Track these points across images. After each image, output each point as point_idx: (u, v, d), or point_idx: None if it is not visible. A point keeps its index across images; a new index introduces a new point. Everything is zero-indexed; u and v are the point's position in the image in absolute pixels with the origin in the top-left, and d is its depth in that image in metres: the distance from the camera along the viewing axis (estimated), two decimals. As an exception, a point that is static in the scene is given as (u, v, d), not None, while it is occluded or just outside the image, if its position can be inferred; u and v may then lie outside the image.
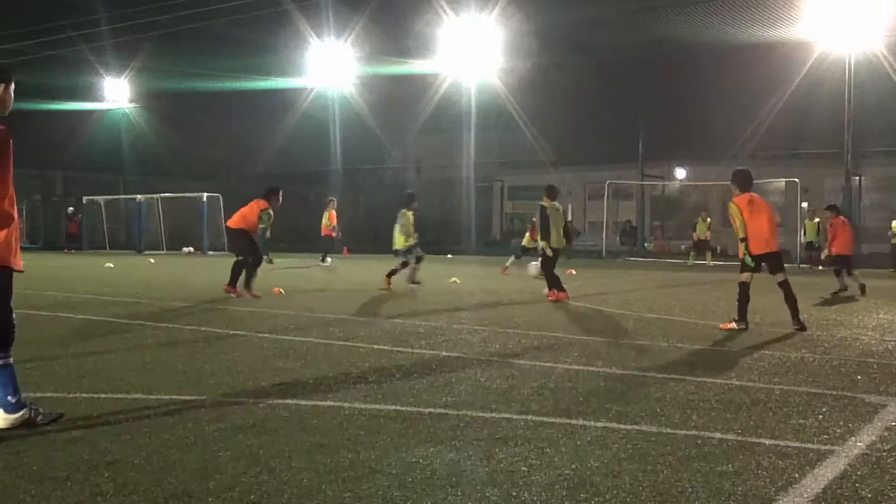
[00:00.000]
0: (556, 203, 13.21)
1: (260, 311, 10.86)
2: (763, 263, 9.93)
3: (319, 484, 3.67)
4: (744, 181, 10.24)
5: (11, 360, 4.55)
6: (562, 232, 13.10)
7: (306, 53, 36.50)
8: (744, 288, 9.68)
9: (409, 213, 14.88)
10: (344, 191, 41.88)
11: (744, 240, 9.85)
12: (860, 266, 25.32)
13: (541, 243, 13.01)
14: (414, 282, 14.79)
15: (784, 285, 9.85)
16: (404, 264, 14.85)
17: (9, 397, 4.50)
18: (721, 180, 34.32)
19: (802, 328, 9.43)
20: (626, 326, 9.54)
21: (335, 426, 4.67)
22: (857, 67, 27.25)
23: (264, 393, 5.57)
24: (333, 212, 24.99)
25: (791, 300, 9.74)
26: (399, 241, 14.80)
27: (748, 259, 9.72)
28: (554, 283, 12.81)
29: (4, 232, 4.41)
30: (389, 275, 14.70)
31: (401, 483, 3.69)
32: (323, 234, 25.03)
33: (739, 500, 3.51)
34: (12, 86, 4.60)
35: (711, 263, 25.40)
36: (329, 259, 24.65)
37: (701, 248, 26.69)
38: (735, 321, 9.46)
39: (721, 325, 9.57)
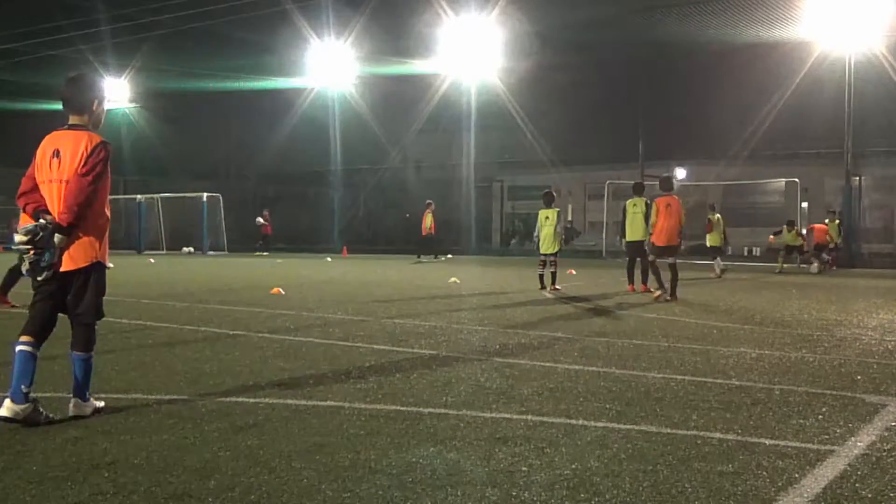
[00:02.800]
0: (635, 199, 14.74)
1: (260, 311, 10.87)
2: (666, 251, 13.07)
3: (319, 484, 3.67)
4: (664, 185, 13.59)
5: (38, 352, 4.75)
6: (639, 226, 14.44)
7: (306, 53, 36.48)
8: (652, 264, 13.23)
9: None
10: (344, 191, 41.89)
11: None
12: (860, 266, 25.45)
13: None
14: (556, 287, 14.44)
15: (673, 266, 13.00)
16: (551, 263, 14.60)
17: (23, 387, 4.56)
18: (721, 180, 34.47)
19: (674, 299, 12.69)
20: (626, 326, 9.54)
21: (335, 426, 4.67)
22: (857, 67, 27.25)
23: (264, 393, 5.57)
24: (430, 213, 26.54)
25: (674, 278, 12.94)
26: (555, 244, 14.59)
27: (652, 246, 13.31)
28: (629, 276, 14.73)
29: (106, 236, 4.91)
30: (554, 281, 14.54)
31: (401, 483, 3.69)
32: (423, 234, 26.80)
33: (739, 500, 3.51)
34: (105, 102, 4.98)
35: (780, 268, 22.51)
36: (434, 257, 26.44)
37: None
38: (660, 290, 12.93)
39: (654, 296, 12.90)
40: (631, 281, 14.61)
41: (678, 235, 13.12)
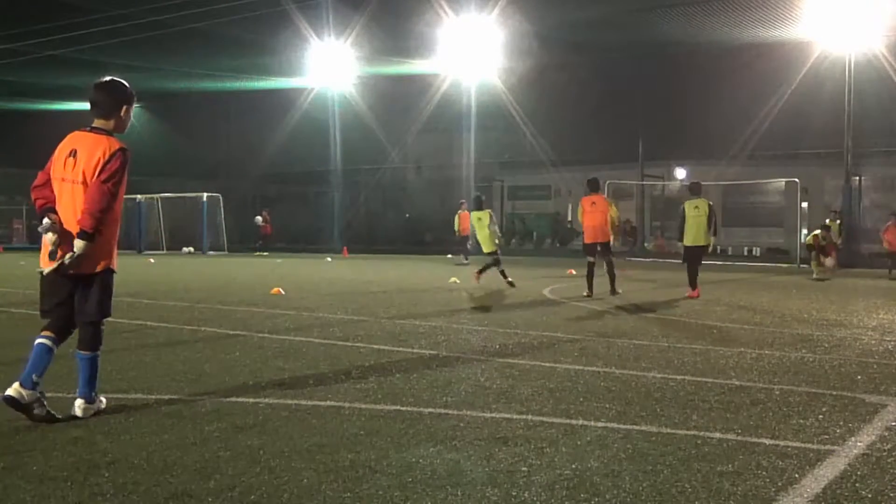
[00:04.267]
0: (696, 201, 13.67)
1: (260, 311, 10.87)
2: (598, 248, 13.55)
3: (319, 484, 3.67)
4: (591, 186, 13.89)
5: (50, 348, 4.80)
6: (699, 230, 13.52)
7: (306, 53, 36.47)
8: (590, 267, 13.41)
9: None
10: (344, 191, 41.88)
11: (580, 233, 13.74)
12: (860, 265, 25.47)
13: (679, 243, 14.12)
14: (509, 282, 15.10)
15: (609, 264, 13.56)
16: (495, 262, 15.34)
17: (34, 376, 4.65)
18: (721, 180, 34.46)
19: (615, 292, 13.29)
20: (626, 326, 9.54)
21: (335, 426, 4.67)
22: (857, 67, 27.24)
23: (264, 393, 5.58)
24: (464, 213, 25.88)
25: (611, 276, 13.48)
26: (491, 244, 15.32)
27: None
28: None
29: (114, 240, 4.91)
30: (481, 271, 15.54)
31: (401, 483, 3.69)
32: (462, 234, 26.31)
33: (739, 500, 3.51)
34: (132, 107, 5.00)
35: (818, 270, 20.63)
36: (466, 259, 25.88)
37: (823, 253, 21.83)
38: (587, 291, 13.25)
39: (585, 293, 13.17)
40: (694, 286, 13.40)
41: (605, 232, 13.53)
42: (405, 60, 34.71)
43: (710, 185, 35.83)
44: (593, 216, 13.52)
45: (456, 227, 26.30)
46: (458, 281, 16.81)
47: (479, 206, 15.87)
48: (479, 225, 15.50)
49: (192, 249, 36.73)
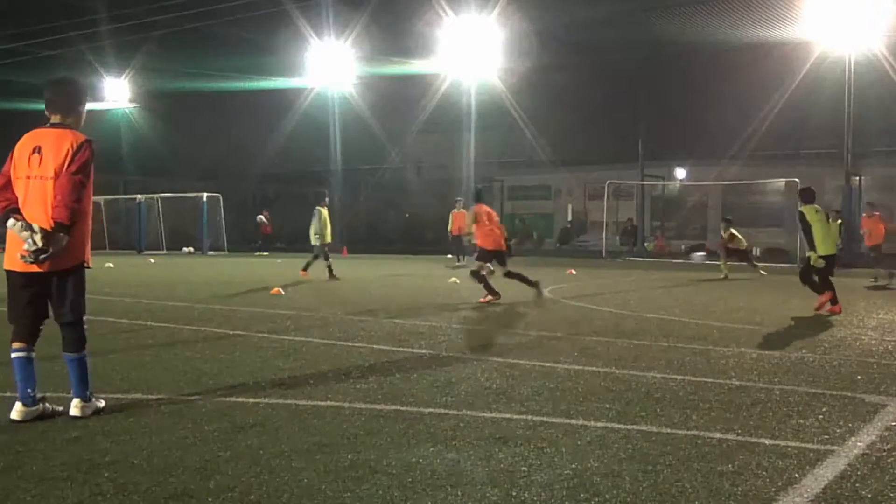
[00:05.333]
0: (815, 206, 11.98)
1: (260, 311, 10.87)
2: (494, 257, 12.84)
3: (319, 484, 3.67)
4: (480, 196, 13.86)
5: (33, 354, 4.86)
6: (831, 237, 12.11)
7: (306, 53, 36.48)
8: (486, 271, 12.99)
9: (323, 210, 17.51)
10: (344, 191, 41.87)
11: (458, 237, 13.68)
12: (860, 266, 25.41)
13: (812, 255, 11.76)
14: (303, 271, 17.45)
15: (508, 275, 12.89)
16: (323, 257, 17.41)
17: (29, 390, 4.72)
18: (721, 180, 34.49)
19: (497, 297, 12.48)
20: (626, 326, 9.54)
21: (335, 426, 4.67)
22: (857, 67, 27.23)
23: (264, 393, 5.58)
24: (458, 212, 24.96)
25: (525, 279, 12.76)
26: (314, 238, 17.46)
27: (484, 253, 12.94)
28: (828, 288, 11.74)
29: (87, 236, 4.93)
30: (306, 268, 17.52)
31: (401, 483, 3.69)
32: (456, 234, 25.24)
33: (739, 500, 3.51)
34: (86, 103, 5.07)
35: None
36: (461, 259, 25.08)
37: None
38: (489, 296, 12.53)
39: (480, 300, 12.47)
40: (835, 300, 11.53)
41: (502, 239, 12.98)
42: (405, 60, 34.71)
43: (710, 185, 36.01)
44: (495, 224, 13.04)
45: (449, 227, 25.41)
46: (457, 281, 16.81)
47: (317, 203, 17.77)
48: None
49: (192, 249, 36.73)
